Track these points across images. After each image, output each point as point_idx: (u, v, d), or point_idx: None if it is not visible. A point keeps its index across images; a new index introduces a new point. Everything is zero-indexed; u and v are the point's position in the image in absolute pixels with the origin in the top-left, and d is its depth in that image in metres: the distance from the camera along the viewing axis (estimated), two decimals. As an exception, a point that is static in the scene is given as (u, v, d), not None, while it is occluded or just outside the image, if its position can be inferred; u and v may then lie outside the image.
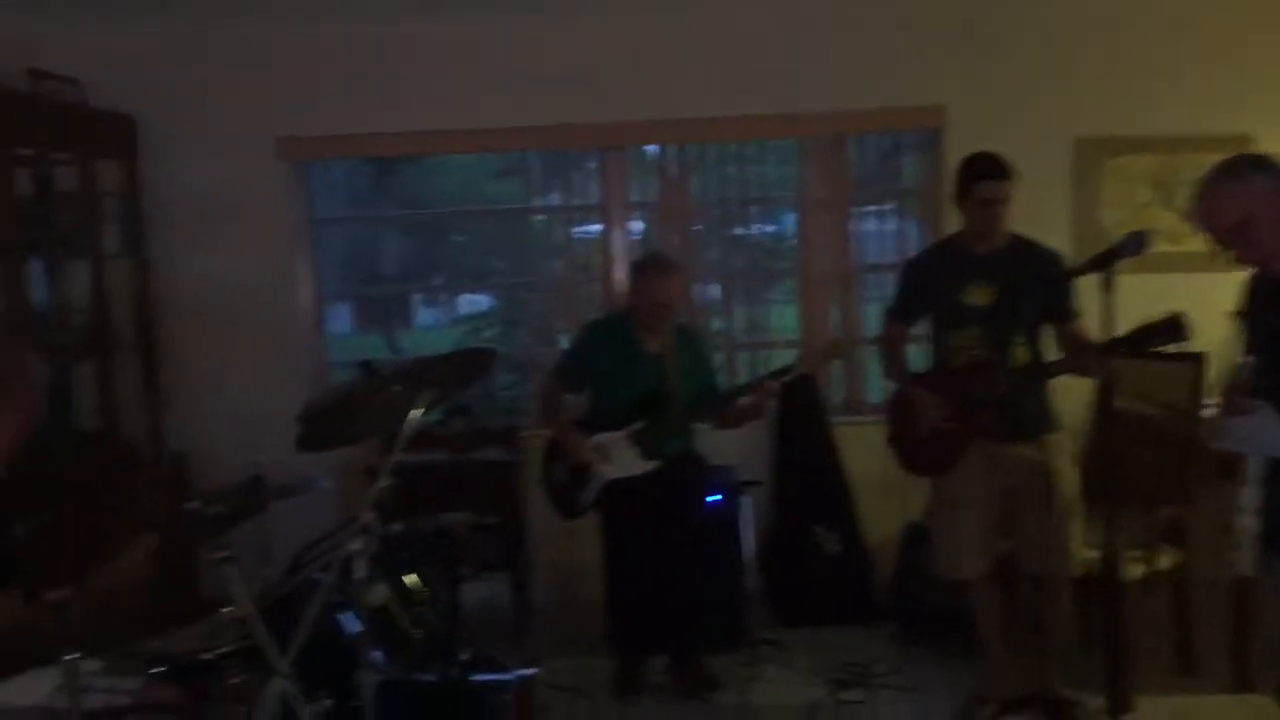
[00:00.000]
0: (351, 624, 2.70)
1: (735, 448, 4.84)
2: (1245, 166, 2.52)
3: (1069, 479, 3.67)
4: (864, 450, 4.65)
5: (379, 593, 2.81)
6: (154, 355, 4.92)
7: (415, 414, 2.74)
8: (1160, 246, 4.77)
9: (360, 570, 2.50)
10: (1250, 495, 2.50)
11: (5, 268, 4.05)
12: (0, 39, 4.42)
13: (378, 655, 2.73)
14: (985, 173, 3.56)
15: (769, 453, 5.02)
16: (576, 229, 5.26)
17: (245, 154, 4.98)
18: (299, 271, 5.18)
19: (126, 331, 4.78)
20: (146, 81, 4.85)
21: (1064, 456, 3.68)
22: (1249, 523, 2.51)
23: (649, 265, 4.22)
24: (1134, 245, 2.78)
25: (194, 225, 5.00)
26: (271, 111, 4.98)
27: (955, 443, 3.67)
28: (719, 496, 4.42)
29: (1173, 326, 3.07)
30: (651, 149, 5.24)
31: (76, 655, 2.20)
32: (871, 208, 5.25)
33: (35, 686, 2.45)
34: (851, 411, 5.18)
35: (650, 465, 4.12)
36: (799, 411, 4.94)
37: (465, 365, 2.98)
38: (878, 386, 5.12)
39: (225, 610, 3.00)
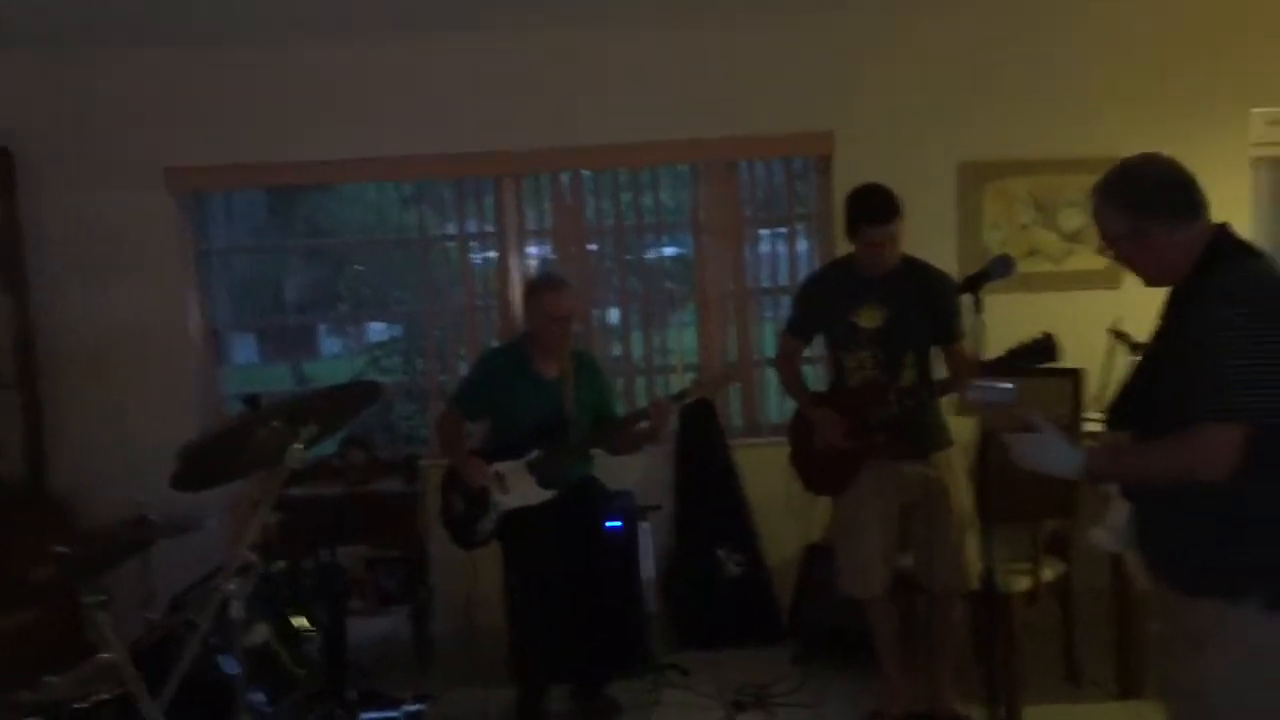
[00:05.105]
0: (230, 666, 2.65)
1: (635, 473, 4.86)
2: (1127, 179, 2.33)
3: (964, 494, 3.74)
4: (764, 471, 4.71)
5: (259, 632, 2.77)
6: (36, 394, 4.78)
7: (296, 449, 2.71)
8: (1042, 266, 5.00)
9: (238, 610, 2.45)
10: (1117, 509, 2.55)
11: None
12: None
13: (259, 697, 2.68)
14: (871, 216, 3.58)
15: (669, 477, 5.05)
16: (475, 256, 5.24)
17: (132, 185, 4.88)
18: (190, 304, 5.08)
19: (7, 370, 4.64)
20: (23, 113, 4.74)
21: (958, 472, 3.76)
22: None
23: (542, 283, 4.26)
24: (1001, 268, 2.88)
25: (80, 259, 4.89)
26: (160, 141, 4.89)
27: (852, 462, 3.73)
28: (618, 522, 4.42)
29: (1044, 347, 3.18)
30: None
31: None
32: (766, 231, 5.31)
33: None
34: (750, 433, 5.22)
35: (548, 494, 4.12)
36: (698, 435, 4.98)
37: (348, 399, 2.95)
38: (776, 408, 5.18)
39: (102, 656, 2.93)
